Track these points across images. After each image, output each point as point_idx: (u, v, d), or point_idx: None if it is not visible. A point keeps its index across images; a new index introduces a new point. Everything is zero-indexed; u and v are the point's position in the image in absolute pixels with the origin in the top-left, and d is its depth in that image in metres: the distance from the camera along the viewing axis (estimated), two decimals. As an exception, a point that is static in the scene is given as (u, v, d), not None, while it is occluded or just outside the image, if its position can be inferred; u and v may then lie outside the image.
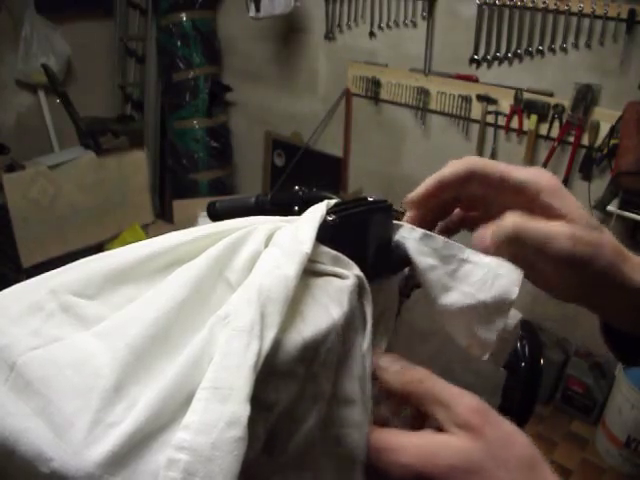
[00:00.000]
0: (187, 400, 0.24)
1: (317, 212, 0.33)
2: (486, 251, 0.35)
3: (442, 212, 0.42)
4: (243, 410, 0.23)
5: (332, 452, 0.31)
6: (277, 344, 0.27)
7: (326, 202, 0.35)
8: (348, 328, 0.31)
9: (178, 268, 0.30)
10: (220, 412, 0.23)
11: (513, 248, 0.35)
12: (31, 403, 0.24)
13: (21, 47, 2.70)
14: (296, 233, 0.31)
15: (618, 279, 0.35)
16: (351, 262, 0.33)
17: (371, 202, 0.38)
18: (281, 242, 0.30)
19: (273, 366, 0.26)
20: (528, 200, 0.36)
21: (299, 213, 0.35)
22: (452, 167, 0.38)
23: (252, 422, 0.24)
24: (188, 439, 0.23)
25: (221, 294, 0.29)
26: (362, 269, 0.34)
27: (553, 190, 0.36)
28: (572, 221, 0.35)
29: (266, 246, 0.31)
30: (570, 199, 0.36)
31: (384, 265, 0.37)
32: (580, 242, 0.34)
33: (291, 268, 0.28)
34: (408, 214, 0.40)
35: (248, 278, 0.28)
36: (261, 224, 0.33)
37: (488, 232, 0.35)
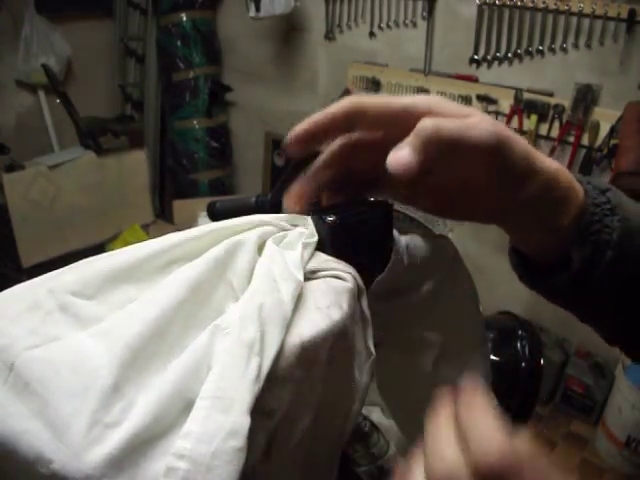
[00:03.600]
0: (185, 408, 0.24)
1: (308, 236, 0.34)
2: (408, 169, 0.31)
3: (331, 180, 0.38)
4: (244, 421, 0.24)
5: (321, 443, 0.32)
6: (278, 350, 0.27)
7: (312, 224, 0.35)
8: (348, 328, 0.31)
9: (178, 268, 0.29)
10: (221, 422, 0.23)
11: (434, 150, 0.31)
12: (30, 404, 0.24)
13: (21, 47, 2.70)
14: (288, 261, 0.31)
15: (533, 167, 0.34)
16: (347, 264, 0.33)
17: (371, 203, 0.38)
18: (276, 267, 0.30)
19: (274, 373, 0.26)
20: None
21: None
22: (336, 105, 0.35)
23: (254, 430, 0.24)
24: (188, 447, 0.23)
25: (223, 295, 0.29)
26: (362, 270, 0.34)
27: (443, 101, 0.34)
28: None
29: (260, 252, 0.31)
30: (462, 107, 0.34)
31: (384, 266, 0.37)
32: (499, 126, 0.33)
33: (287, 294, 0.29)
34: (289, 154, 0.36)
35: (249, 290, 0.29)
36: (260, 224, 0.33)
37: (404, 146, 0.31)
